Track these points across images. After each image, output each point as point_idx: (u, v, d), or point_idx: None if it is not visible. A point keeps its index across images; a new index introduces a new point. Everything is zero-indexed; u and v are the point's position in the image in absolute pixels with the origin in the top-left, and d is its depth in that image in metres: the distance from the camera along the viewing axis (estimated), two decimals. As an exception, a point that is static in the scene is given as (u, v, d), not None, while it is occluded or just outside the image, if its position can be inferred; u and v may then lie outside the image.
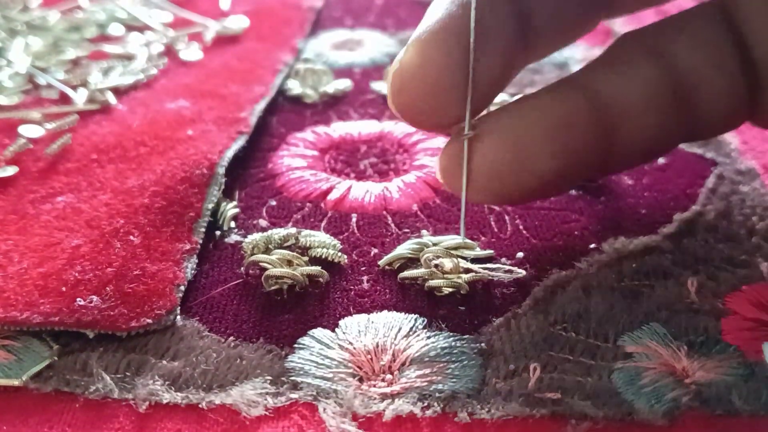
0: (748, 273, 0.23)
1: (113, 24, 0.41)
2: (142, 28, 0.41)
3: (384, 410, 0.19)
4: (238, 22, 0.41)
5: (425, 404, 0.19)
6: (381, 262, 0.24)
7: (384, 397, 0.19)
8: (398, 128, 0.32)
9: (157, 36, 0.39)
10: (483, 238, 0.25)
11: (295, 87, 0.35)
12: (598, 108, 0.23)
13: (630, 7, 0.27)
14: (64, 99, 0.33)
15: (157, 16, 0.42)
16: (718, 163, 0.29)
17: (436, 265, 0.23)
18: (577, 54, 0.38)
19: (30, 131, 0.30)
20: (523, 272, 0.23)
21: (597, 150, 0.23)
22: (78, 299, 0.22)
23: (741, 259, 0.24)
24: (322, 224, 0.26)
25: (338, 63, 0.38)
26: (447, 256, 0.23)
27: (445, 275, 0.23)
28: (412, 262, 0.24)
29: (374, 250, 0.25)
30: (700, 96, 0.23)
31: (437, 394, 0.19)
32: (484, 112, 0.24)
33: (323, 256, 0.24)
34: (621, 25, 0.41)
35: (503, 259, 0.24)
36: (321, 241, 0.24)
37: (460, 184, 0.23)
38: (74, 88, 0.34)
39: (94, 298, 0.22)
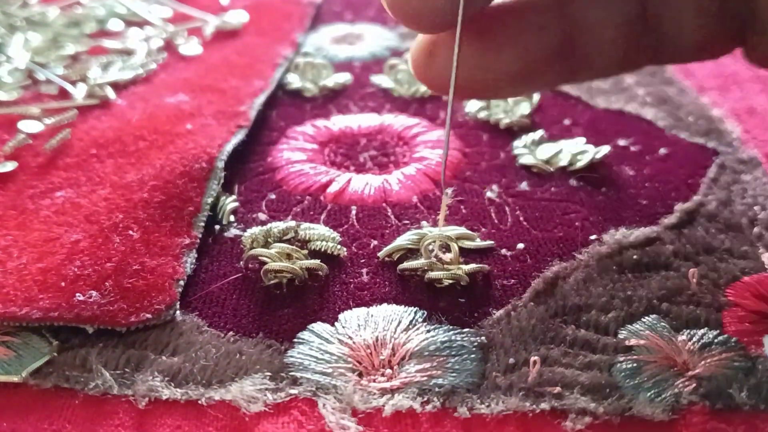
0: (749, 263, 0.23)
1: (113, 19, 0.41)
2: (142, 24, 0.40)
3: (384, 405, 0.19)
4: (238, 17, 0.41)
5: (425, 399, 0.19)
6: (380, 254, 0.24)
7: (384, 392, 0.19)
8: (398, 121, 0.32)
9: (157, 31, 0.39)
10: (483, 229, 0.25)
11: (294, 81, 0.35)
12: (567, 16, 0.23)
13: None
14: (64, 94, 0.33)
15: (156, 12, 0.42)
16: (719, 153, 0.29)
17: (437, 256, 0.23)
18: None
19: (29, 126, 0.30)
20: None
21: (562, 56, 0.23)
22: (77, 294, 0.22)
23: (742, 249, 0.24)
24: (322, 217, 0.26)
25: (338, 57, 0.38)
26: (449, 242, 0.23)
27: (445, 266, 0.23)
28: (411, 253, 0.24)
29: (374, 242, 0.25)
30: (666, 13, 0.23)
31: (437, 389, 0.19)
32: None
33: (322, 249, 0.24)
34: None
35: (503, 250, 0.24)
36: (320, 234, 0.24)
37: (427, 75, 0.23)
38: (73, 83, 0.34)
39: (94, 293, 0.22)
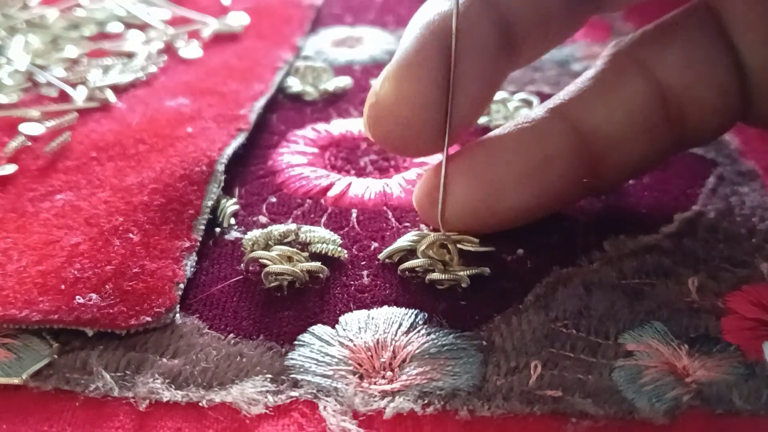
0: (749, 273, 0.23)
1: (112, 22, 0.41)
2: (142, 26, 0.40)
3: (384, 408, 0.19)
4: (238, 20, 0.41)
5: (426, 402, 0.19)
6: (381, 255, 0.24)
7: (384, 394, 0.19)
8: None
9: (157, 34, 0.39)
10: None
11: (295, 84, 0.35)
12: (582, 139, 0.23)
13: (616, 5, 0.27)
14: (64, 97, 0.33)
15: (156, 14, 0.42)
16: (718, 164, 0.29)
17: (440, 258, 0.23)
18: (578, 52, 0.38)
19: (30, 129, 0.30)
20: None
21: (577, 181, 0.24)
22: (77, 297, 0.22)
23: (741, 259, 0.24)
24: (322, 220, 0.26)
25: (338, 60, 0.38)
26: (448, 243, 0.23)
27: (446, 267, 0.23)
28: (412, 254, 0.24)
29: (374, 245, 0.25)
30: (691, 112, 0.23)
31: (438, 392, 0.19)
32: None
33: (323, 252, 0.24)
34: (622, 21, 0.41)
35: (503, 255, 0.24)
36: (321, 236, 0.24)
37: (432, 217, 0.23)
38: (74, 86, 0.34)
39: (94, 296, 0.22)
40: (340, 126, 0.32)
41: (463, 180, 0.23)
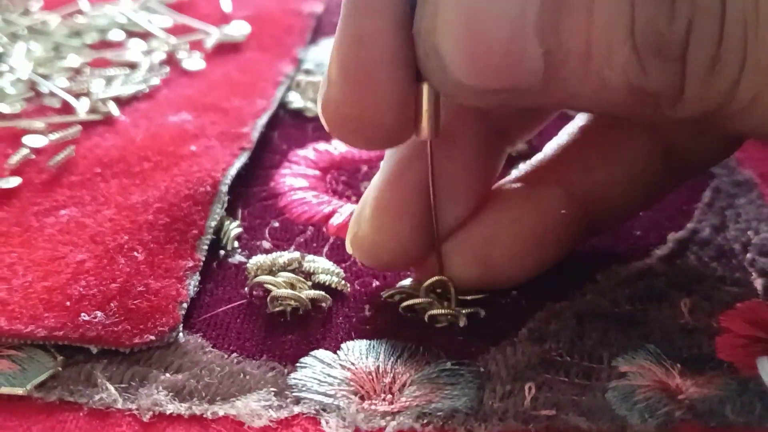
0: (743, 290, 0.23)
1: (114, 30, 0.41)
2: (143, 35, 0.40)
3: (385, 426, 0.19)
4: (240, 29, 0.40)
5: (425, 421, 0.20)
6: (383, 293, 0.24)
7: (385, 414, 0.20)
8: (398, 146, 0.33)
9: (159, 43, 0.39)
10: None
11: (296, 100, 0.36)
12: (581, 205, 0.23)
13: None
14: (67, 108, 0.33)
15: (157, 22, 0.42)
16: (715, 176, 0.29)
17: (438, 299, 0.24)
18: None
19: (33, 141, 0.30)
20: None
21: (575, 242, 0.24)
22: (82, 314, 0.22)
23: (735, 277, 0.24)
24: (325, 249, 0.27)
25: (338, 75, 0.38)
26: (448, 285, 0.24)
27: (444, 306, 0.23)
28: (413, 296, 0.24)
29: (376, 282, 0.25)
30: (697, 157, 0.23)
31: (437, 413, 0.20)
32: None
33: (327, 283, 0.24)
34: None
35: (499, 299, 0.24)
36: (324, 267, 0.25)
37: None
38: (76, 96, 0.34)
39: (99, 313, 0.22)
40: (340, 146, 0.33)
41: (460, 260, 0.23)
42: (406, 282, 0.25)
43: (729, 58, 0.16)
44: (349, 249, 0.24)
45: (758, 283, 0.24)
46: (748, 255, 0.25)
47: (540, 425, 0.19)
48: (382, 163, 0.23)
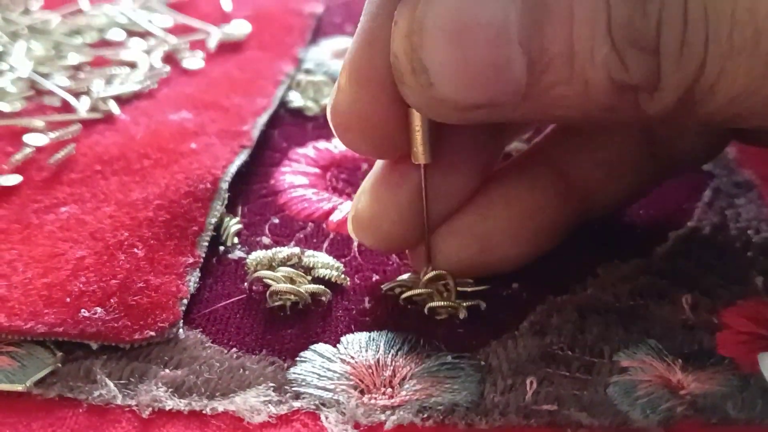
0: (743, 288, 0.23)
1: (114, 29, 0.41)
2: (143, 34, 0.41)
3: (385, 421, 0.19)
4: (240, 28, 0.40)
5: (425, 415, 0.20)
6: (384, 286, 0.24)
7: (385, 408, 0.20)
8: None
9: (159, 42, 0.39)
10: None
11: (296, 99, 0.36)
12: (570, 185, 0.24)
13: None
14: (67, 106, 0.33)
15: (157, 21, 0.42)
16: (715, 176, 0.29)
17: (438, 290, 0.24)
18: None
19: (34, 140, 0.30)
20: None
21: (568, 223, 0.24)
22: (82, 310, 0.22)
23: (736, 275, 0.24)
24: (324, 245, 0.27)
25: (339, 73, 0.38)
26: (448, 278, 0.24)
27: (445, 298, 0.23)
28: (413, 289, 0.24)
29: (375, 276, 0.25)
30: (679, 146, 0.24)
31: (437, 407, 0.20)
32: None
33: (326, 277, 0.24)
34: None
35: (499, 290, 0.24)
36: (324, 262, 0.25)
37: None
38: (77, 95, 0.34)
39: (98, 309, 0.22)
40: (340, 144, 0.32)
41: (455, 240, 0.23)
42: (406, 276, 0.25)
43: (694, 39, 0.17)
44: (350, 228, 0.24)
45: (759, 281, 0.24)
46: (749, 254, 0.25)
47: (541, 420, 0.19)
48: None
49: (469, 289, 0.24)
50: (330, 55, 0.40)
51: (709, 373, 0.21)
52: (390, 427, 0.19)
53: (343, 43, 0.42)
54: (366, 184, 0.23)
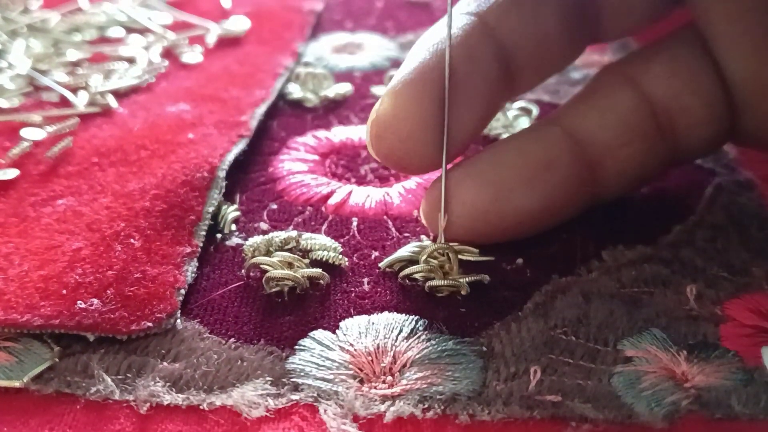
0: (747, 282, 0.23)
1: (113, 27, 0.41)
2: (143, 31, 0.41)
3: (385, 412, 0.19)
4: (240, 24, 0.40)
5: (426, 406, 0.19)
6: (382, 264, 0.24)
7: (385, 398, 0.19)
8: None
9: (157, 38, 0.39)
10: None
11: (295, 91, 0.35)
12: (579, 145, 0.24)
13: (615, 35, 0.27)
14: (65, 102, 0.33)
15: (157, 18, 0.42)
16: (716, 174, 0.29)
17: (440, 265, 0.23)
18: (577, 60, 0.38)
19: (31, 134, 0.30)
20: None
21: (580, 186, 0.24)
22: (78, 302, 0.22)
23: (739, 268, 0.24)
24: (323, 228, 0.26)
25: (339, 67, 0.38)
26: (450, 252, 0.23)
27: (446, 275, 0.23)
28: (412, 264, 0.24)
29: (375, 254, 0.25)
30: (680, 122, 0.24)
31: (438, 396, 0.19)
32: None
33: (324, 259, 0.24)
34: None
35: (503, 264, 0.24)
36: (322, 243, 0.25)
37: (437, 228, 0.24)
38: (75, 91, 0.34)
39: (95, 301, 0.22)
40: (340, 133, 0.32)
41: (470, 183, 0.23)
42: (405, 251, 0.24)
43: None
44: (369, 134, 0.23)
45: (762, 276, 0.24)
46: (752, 248, 0.25)
47: (545, 412, 0.19)
48: (403, 63, 0.23)
49: (472, 258, 0.23)
50: (330, 50, 0.40)
51: (714, 365, 0.20)
52: (389, 420, 0.19)
53: (343, 38, 0.42)
54: (389, 89, 0.23)
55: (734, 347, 0.21)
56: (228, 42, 0.40)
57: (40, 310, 0.22)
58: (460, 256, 0.24)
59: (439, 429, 0.19)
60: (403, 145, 0.22)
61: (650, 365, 0.20)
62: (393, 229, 0.26)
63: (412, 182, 0.29)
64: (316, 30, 0.43)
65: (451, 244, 0.24)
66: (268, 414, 0.19)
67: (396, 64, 0.38)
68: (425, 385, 0.20)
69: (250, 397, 0.19)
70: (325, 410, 0.19)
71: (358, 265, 0.25)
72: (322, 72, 0.37)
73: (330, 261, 0.24)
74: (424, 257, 0.24)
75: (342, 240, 0.26)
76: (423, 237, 0.26)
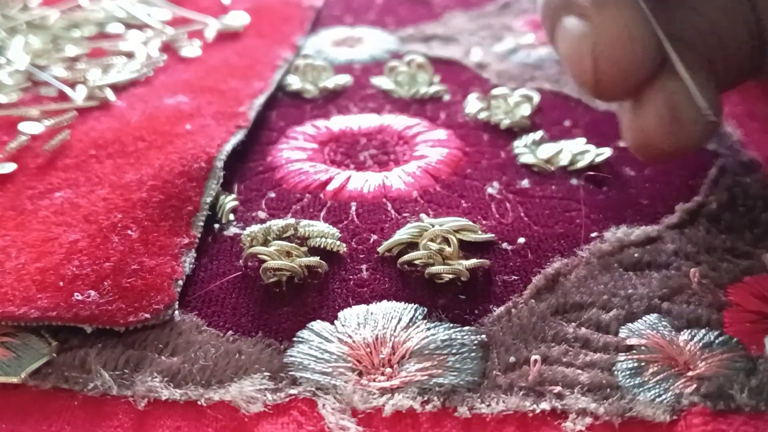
0: (750, 264, 0.23)
1: (112, 23, 0.41)
2: (141, 27, 0.40)
3: (383, 405, 0.19)
4: (239, 19, 0.40)
5: (425, 399, 0.19)
6: (380, 249, 0.24)
7: (383, 391, 0.19)
8: (398, 121, 0.32)
9: (156, 33, 0.39)
10: (484, 222, 0.25)
11: (294, 82, 0.35)
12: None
13: None
14: (63, 96, 0.33)
15: (156, 14, 0.42)
16: (720, 155, 0.28)
17: (439, 250, 0.23)
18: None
19: (29, 128, 0.30)
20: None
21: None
22: (75, 294, 0.22)
23: (743, 250, 0.24)
24: (321, 214, 0.26)
25: (338, 59, 0.38)
26: (449, 235, 0.23)
27: (446, 260, 0.23)
28: (411, 247, 0.24)
29: (373, 237, 0.25)
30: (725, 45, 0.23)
31: (437, 389, 0.19)
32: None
33: (322, 246, 0.24)
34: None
35: (504, 244, 0.24)
36: (320, 230, 0.24)
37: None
38: (73, 85, 0.34)
39: (92, 292, 0.22)
40: (339, 122, 0.32)
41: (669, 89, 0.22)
42: (404, 233, 0.24)
43: None
44: (589, 78, 0.22)
45: (767, 258, 0.23)
46: (756, 231, 0.24)
47: (545, 404, 0.19)
48: None
49: (473, 239, 0.23)
50: (330, 44, 0.40)
51: (717, 354, 0.20)
52: (388, 414, 0.19)
53: (343, 33, 0.42)
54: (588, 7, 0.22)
55: (737, 334, 0.21)
56: (227, 36, 0.40)
57: (36, 303, 0.21)
58: (459, 236, 0.23)
59: (437, 422, 0.19)
60: (629, 50, 0.21)
61: (652, 354, 0.20)
62: (392, 211, 0.26)
63: (412, 166, 0.29)
64: (315, 25, 0.42)
65: (449, 226, 0.23)
66: (266, 409, 0.19)
67: (396, 56, 0.38)
68: (425, 377, 0.19)
69: (248, 392, 0.19)
70: (324, 405, 0.19)
71: (357, 251, 0.24)
72: (322, 64, 0.37)
73: (328, 248, 0.24)
74: (423, 242, 0.23)
75: (340, 225, 0.25)
76: (423, 216, 0.25)
